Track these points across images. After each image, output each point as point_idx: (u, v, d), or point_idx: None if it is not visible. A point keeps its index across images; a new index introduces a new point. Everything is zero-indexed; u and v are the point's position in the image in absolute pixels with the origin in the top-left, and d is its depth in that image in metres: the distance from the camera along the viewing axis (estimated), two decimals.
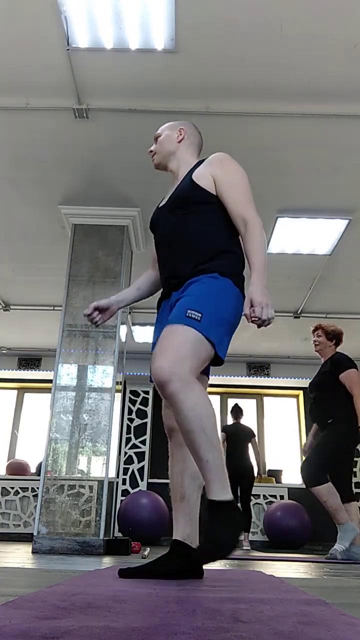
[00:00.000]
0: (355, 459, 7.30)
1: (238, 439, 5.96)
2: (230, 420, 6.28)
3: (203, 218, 1.83)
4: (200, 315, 1.62)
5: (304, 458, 4.00)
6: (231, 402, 6.98)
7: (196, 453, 1.55)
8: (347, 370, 3.81)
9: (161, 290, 2.00)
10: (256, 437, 6.21)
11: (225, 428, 6.14)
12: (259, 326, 1.63)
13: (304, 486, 3.83)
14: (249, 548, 5.79)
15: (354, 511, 3.72)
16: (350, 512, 3.68)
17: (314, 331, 4.13)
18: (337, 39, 2.86)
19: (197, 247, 1.79)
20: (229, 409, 6.45)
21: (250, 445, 6.05)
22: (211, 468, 1.53)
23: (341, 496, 3.63)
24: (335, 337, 4.05)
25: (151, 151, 2.10)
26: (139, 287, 2.12)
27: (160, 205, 2.02)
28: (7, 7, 2.75)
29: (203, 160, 1.95)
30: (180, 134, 2.07)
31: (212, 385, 6.56)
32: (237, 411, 6.27)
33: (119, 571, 1.68)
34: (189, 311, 1.62)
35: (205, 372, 1.86)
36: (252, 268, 1.70)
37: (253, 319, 1.60)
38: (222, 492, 1.52)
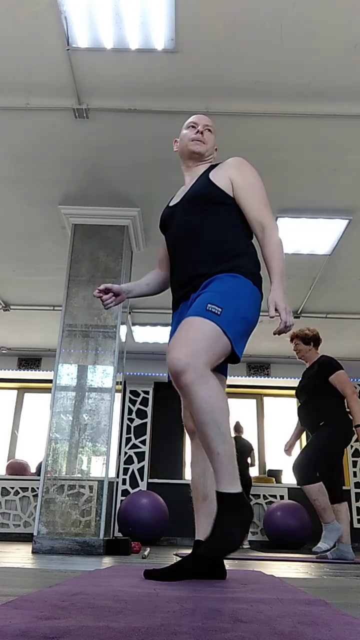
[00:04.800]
0: (355, 458, 7.35)
1: (239, 452, 6.16)
2: (232, 434, 6.50)
3: (220, 218, 1.84)
4: (220, 310, 1.62)
5: (289, 456, 4.04)
6: (231, 403, 7.11)
7: (208, 445, 1.56)
8: (336, 372, 3.84)
9: (167, 291, 2.00)
10: (254, 451, 6.70)
11: None
12: (279, 332, 1.66)
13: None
14: (248, 547, 5.82)
15: (344, 511, 3.73)
16: (340, 512, 3.69)
17: (291, 341, 4.14)
18: (337, 39, 2.86)
19: (218, 247, 1.79)
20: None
21: (249, 458, 6.55)
22: (222, 460, 1.54)
23: (332, 497, 3.64)
24: (312, 340, 4.07)
25: (202, 133, 2.03)
26: (149, 283, 2.11)
27: (171, 204, 2.02)
28: (7, 7, 2.75)
29: (217, 163, 1.98)
30: (215, 153, 2.11)
31: None
32: (238, 428, 6.67)
33: (145, 573, 1.68)
34: (209, 305, 1.62)
35: (223, 372, 1.86)
36: (271, 273, 1.73)
37: (277, 318, 1.65)
38: (232, 485, 1.53)
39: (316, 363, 3.99)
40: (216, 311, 1.61)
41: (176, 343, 1.60)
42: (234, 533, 1.48)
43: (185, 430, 1.96)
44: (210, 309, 1.61)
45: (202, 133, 2.02)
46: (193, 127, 2.05)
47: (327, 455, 3.75)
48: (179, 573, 1.67)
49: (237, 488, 1.53)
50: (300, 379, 4.11)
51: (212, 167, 1.97)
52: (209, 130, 2.06)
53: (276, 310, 1.65)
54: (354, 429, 3.70)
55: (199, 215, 1.86)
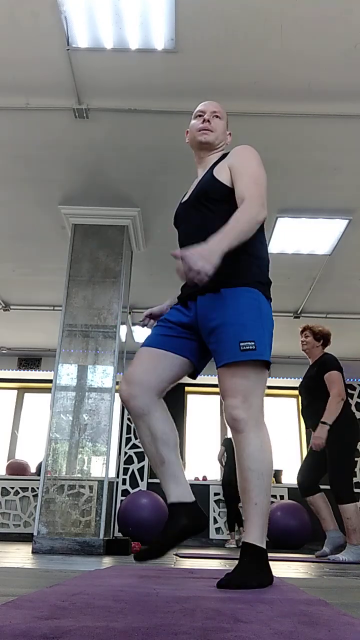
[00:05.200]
0: (355, 458, 7.34)
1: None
2: (230, 434, 6.59)
3: (226, 215, 1.75)
4: (253, 343, 1.63)
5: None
6: None
7: (247, 492, 1.59)
8: (330, 372, 3.82)
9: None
10: None
11: (225, 442, 6.53)
12: (184, 275, 1.52)
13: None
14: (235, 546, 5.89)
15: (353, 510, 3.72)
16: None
17: (302, 332, 4.14)
18: (337, 39, 2.86)
19: None
20: None
21: None
22: (257, 512, 1.57)
23: (343, 498, 3.63)
24: (322, 337, 4.06)
25: (208, 121, 1.97)
26: None
27: (183, 200, 1.99)
28: (7, 7, 2.75)
29: (226, 153, 1.94)
30: (228, 138, 2.07)
31: (211, 386, 6.56)
32: None
33: (135, 557, 1.70)
34: (241, 344, 1.63)
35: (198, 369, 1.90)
36: (221, 230, 1.61)
37: (182, 266, 1.52)
38: (260, 539, 1.57)
39: (318, 361, 3.99)
40: (250, 347, 1.63)
41: (230, 393, 1.65)
42: (258, 579, 1.52)
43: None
44: (244, 347, 1.63)
45: (209, 121, 1.97)
46: (200, 115, 2.00)
47: (350, 462, 3.74)
48: (166, 542, 1.68)
49: (264, 544, 1.57)
50: (303, 377, 4.11)
51: (222, 157, 1.92)
52: (217, 116, 1.99)
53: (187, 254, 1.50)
54: (320, 423, 3.68)
55: (205, 213, 1.83)
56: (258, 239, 1.79)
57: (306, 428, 4.11)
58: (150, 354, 1.80)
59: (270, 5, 2.70)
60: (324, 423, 3.66)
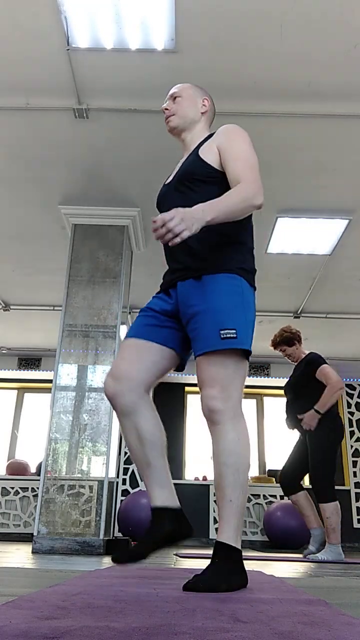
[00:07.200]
0: (355, 458, 7.34)
1: None
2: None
3: (211, 198, 1.64)
4: (234, 331, 1.56)
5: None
6: None
7: (222, 489, 1.51)
8: (321, 367, 3.84)
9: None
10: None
11: None
12: (154, 230, 1.43)
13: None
14: None
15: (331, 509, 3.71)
16: (325, 512, 3.69)
17: (275, 348, 4.13)
18: (337, 39, 2.86)
19: (207, 232, 1.60)
20: None
21: None
22: (232, 510, 1.49)
23: (323, 496, 3.64)
24: (294, 339, 4.08)
25: (167, 109, 1.89)
26: None
27: (167, 181, 1.90)
28: (7, 6, 2.75)
29: (212, 133, 1.84)
30: (205, 106, 1.93)
31: None
32: None
33: (112, 558, 1.59)
34: (221, 332, 1.56)
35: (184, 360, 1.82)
36: (210, 201, 1.53)
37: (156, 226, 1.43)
38: (235, 539, 1.49)
39: (303, 361, 4.00)
40: (232, 335, 1.56)
41: (208, 382, 1.57)
42: (228, 581, 1.42)
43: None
44: (225, 335, 1.56)
45: (167, 109, 1.91)
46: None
47: (332, 461, 3.74)
48: (147, 548, 1.56)
49: (238, 544, 1.49)
50: (290, 376, 4.12)
51: (207, 137, 1.83)
52: (176, 97, 1.92)
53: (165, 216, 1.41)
54: (313, 410, 3.68)
55: (187, 194, 1.73)
56: (244, 226, 1.72)
57: (289, 425, 4.07)
58: (136, 346, 1.68)
59: (270, 5, 2.70)
60: (317, 411, 3.67)
